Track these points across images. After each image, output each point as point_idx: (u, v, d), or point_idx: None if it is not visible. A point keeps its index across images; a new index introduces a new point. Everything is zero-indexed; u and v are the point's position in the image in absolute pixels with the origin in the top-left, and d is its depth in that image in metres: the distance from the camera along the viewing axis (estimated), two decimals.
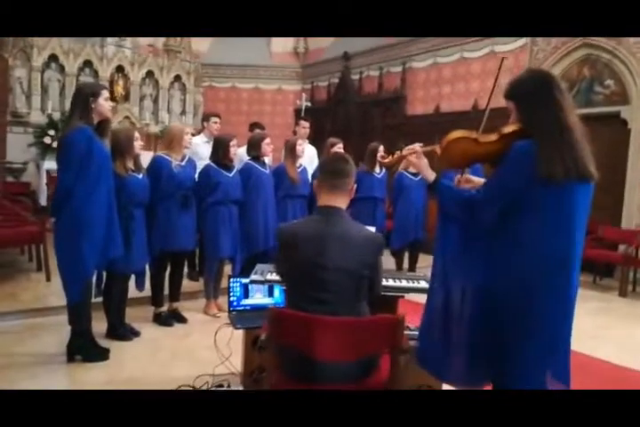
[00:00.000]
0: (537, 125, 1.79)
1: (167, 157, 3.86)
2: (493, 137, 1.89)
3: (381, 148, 5.25)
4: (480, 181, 2.12)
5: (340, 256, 1.92)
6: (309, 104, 9.34)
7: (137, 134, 3.58)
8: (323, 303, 1.92)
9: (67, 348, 3.26)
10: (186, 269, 5.05)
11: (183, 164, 3.94)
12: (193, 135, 4.36)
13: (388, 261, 5.61)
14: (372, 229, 2.97)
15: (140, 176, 3.61)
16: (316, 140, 9.10)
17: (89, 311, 3.30)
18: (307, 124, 5.72)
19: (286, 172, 4.62)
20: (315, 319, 1.82)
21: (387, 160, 2.23)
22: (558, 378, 1.83)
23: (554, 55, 6.65)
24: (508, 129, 1.88)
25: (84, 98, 3.13)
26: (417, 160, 2.05)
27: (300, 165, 4.83)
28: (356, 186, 5.38)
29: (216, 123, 5.21)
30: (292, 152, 4.71)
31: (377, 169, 5.23)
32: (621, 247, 5.92)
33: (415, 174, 5.19)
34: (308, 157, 5.53)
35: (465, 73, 7.77)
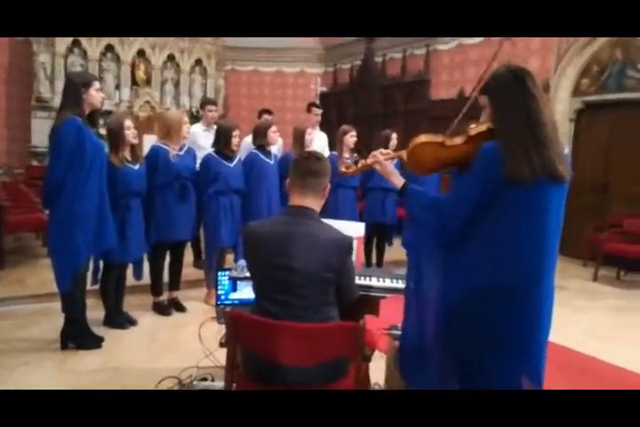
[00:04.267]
0: (506, 120, 1.72)
1: (165, 147, 3.81)
2: (460, 140, 1.81)
3: (394, 135, 5.10)
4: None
5: (306, 258, 1.84)
6: (324, 89, 9.16)
7: (128, 122, 3.51)
8: (288, 306, 1.86)
9: (60, 335, 3.31)
10: (191, 258, 5.09)
11: (181, 153, 3.89)
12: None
13: (398, 251, 5.49)
14: (361, 224, 2.91)
15: (137, 167, 3.57)
16: (339, 124, 8.99)
17: (82, 300, 3.33)
18: (318, 111, 5.59)
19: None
20: (272, 324, 1.76)
21: (350, 170, 2.15)
22: (532, 382, 1.77)
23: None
24: (476, 130, 1.79)
25: (76, 88, 3.10)
26: (382, 168, 2.00)
27: None
28: (363, 177, 5.26)
29: (211, 111, 5.08)
30: (300, 141, 4.61)
31: None
32: None
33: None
34: (319, 146, 5.42)
35: (491, 56, 7.44)
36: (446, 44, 8.09)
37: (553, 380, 2.88)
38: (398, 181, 1.96)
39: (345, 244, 1.91)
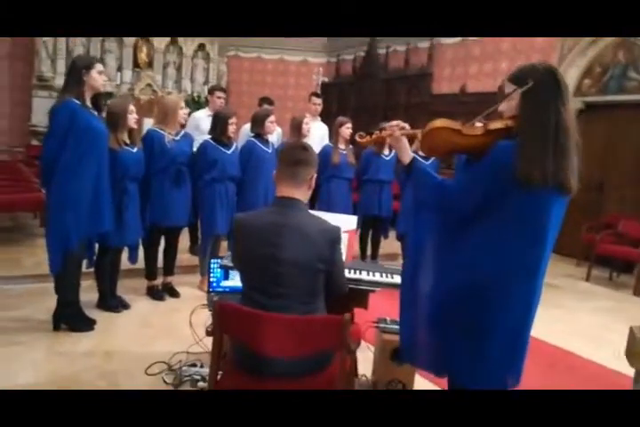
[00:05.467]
0: (536, 120, 1.68)
1: (161, 131, 3.81)
2: (478, 131, 1.80)
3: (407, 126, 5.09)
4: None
5: (294, 249, 1.86)
6: (326, 79, 9.12)
7: (132, 107, 3.54)
8: (277, 297, 1.88)
9: (53, 316, 3.33)
10: (188, 244, 5.11)
11: (177, 138, 3.89)
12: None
13: (393, 245, 5.54)
14: (353, 218, 2.93)
15: (135, 150, 3.58)
16: (340, 115, 8.96)
17: (74, 283, 3.34)
18: (318, 101, 5.56)
19: None
20: (259, 315, 1.79)
21: (364, 140, 2.14)
22: (514, 380, 1.81)
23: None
24: (495, 125, 1.78)
25: (77, 71, 3.11)
26: (395, 142, 1.96)
27: None
28: (361, 168, 5.28)
29: (220, 98, 5.07)
30: (297, 131, 4.61)
31: (385, 151, 5.11)
32: None
33: (426, 158, 5.04)
34: (319, 136, 5.42)
35: (494, 51, 7.45)
36: (450, 39, 8.06)
37: (537, 377, 2.96)
38: (407, 157, 1.93)
39: (333, 234, 1.92)
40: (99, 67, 3.18)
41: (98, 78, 3.17)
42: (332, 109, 9.76)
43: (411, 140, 1.99)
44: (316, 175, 2.05)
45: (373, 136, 2.09)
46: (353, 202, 5.33)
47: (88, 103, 3.17)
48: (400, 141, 1.95)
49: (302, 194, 1.98)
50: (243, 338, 1.87)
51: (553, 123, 1.66)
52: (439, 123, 1.82)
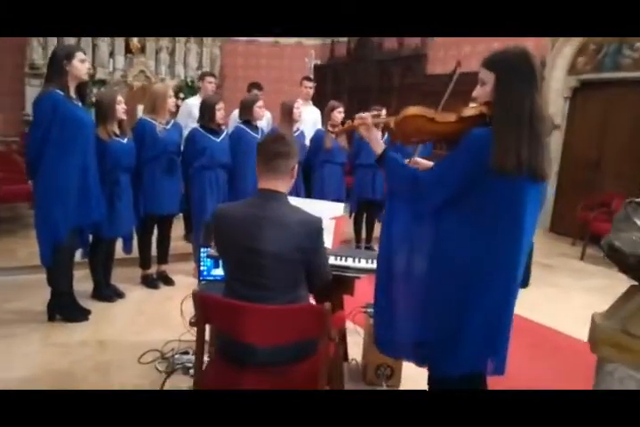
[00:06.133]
0: (511, 106, 1.66)
1: (151, 121, 3.81)
2: (452, 118, 1.79)
3: (384, 111, 5.08)
4: (428, 164, 2.03)
5: (275, 241, 1.87)
6: (318, 62, 9.04)
7: (120, 98, 3.52)
8: (258, 288, 1.90)
9: (47, 307, 3.38)
10: (183, 231, 5.14)
11: (168, 127, 3.89)
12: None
13: None
14: (340, 205, 2.93)
15: (125, 140, 3.58)
16: (334, 97, 8.88)
17: (67, 274, 3.38)
18: (310, 84, 5.53)
19: None
20: (239, 306, 1.82)
21: (336, 129, 2.15)
22: (497, 365, 1.82)
23: None
24: (469, 112, 1.78)
25: (59, 61, 3.09)
26: (366, 132, 1.95)
27: (297, 129, 4.72)
28: (353, 152, 5.27)
29: (211, 83, 5.06)
30: (288, 115, 4.57)
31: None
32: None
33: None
34: (311, 121, 5.40)
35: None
36: None
37: (522, 356, 3.00)
38: (379, 147, 1.91)
39: (314, 226, 1.93)
40: (80, 55, 3.15)
41: (80, 67, 3.14)
42: (326, 91, 9.70)
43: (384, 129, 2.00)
44: (297, 166, 2.05)
45: (345, 125, 2.09)
46: (346, 186, 5.34)
47: (72, 93, 3.15)
48: (371, 131, 1.95)
49: (284, 185, 1.98)
50: (225, 328, 1.91)
51: (528, 110, 1.65)
52: (412, 110, 1.81)
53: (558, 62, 6.59)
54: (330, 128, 2.19)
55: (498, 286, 1.76)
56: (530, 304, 4.09)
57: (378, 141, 1.95)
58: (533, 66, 1.69)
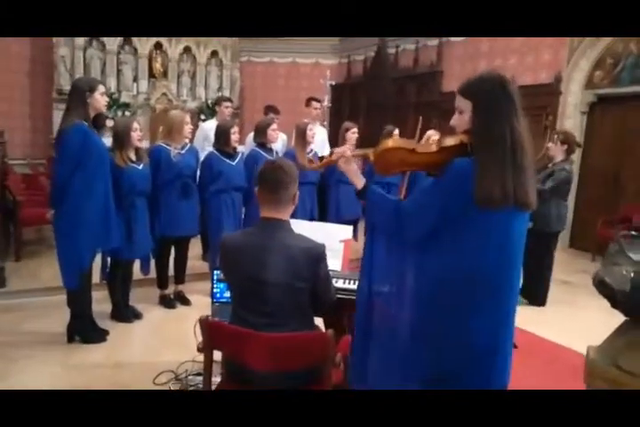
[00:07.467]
0: (491, 135, 1.64)
1: (166, 146, 3.93)
2: (432, 148, 1.78)
3: (396, 131, 5.12)
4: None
5: (278, 270, 1.92)
6: (334, 82, 9.16)
7: (136, 125, 3.65)
8: (263, 316, 1.94)
9: (67, 329, 3.47)
10: (200, 251, 5.23)
11: (183, 152, 4.00)
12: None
13: None
14: (349, 228, 2.96)
15: (141, 167, 3.69)
16: (351, 116, 8.96)
17: (87, 297, 3.48)
18: (318, 105, 5.64)
19: (296, 158, 4.59)
20: (244, 333, 1.86)
21: (314, 165, 2.18)
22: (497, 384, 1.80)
23: None
24: (449, 142, 1.75)
25: (81, 93, 3.22)
26: (345, 166, 1.95)
27: (311, 150, 4.79)
28: (367, 173, 5.28)
29: (227, 107, 5.21)
30: (302, 138, 4.66)
31: None
32: None
33: None
34: (320, 140, 5.48)
35: (504, 48, 7.39)
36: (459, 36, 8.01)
37: (537, 374, 2.97)
38: (359, 181, 1.92)
39: (315, 253, 1.96)
40: (101, 88, 3.30)
41: (101, 100, 3.29)
42: (343, 110, 9.80)
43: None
44: (298, 192, 2.09)
45: (324, 160, 2.09)
46: (363, 205, 5.35)
47: (90, 124, 3.29)
48: (350, 164, 1.94)
49: (286, 213, 2.03)
50: (231, 354, 1.96)
51: (509, 139, 1.63)
52: (391, 143, 1.81)
53: (575, 77, 6.57)
54: (308, 164, 2.19)
55: (487, 316, 1.73)
56: (546, 322, 4.06)
57: (357, 175, 1.94)
58: (510, 92, 1.66)
